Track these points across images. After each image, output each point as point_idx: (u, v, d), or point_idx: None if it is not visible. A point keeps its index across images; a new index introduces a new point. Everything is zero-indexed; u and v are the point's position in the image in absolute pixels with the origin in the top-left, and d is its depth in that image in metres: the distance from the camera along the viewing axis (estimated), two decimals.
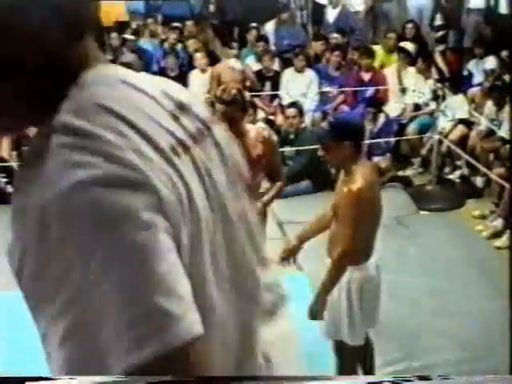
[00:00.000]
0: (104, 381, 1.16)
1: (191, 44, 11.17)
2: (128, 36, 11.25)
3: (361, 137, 4.34)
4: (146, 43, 11.46)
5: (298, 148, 8.43)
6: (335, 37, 11.09)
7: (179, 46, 11.32)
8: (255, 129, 4.92)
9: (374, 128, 8.76)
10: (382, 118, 8.86)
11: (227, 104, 4.53)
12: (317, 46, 10.99)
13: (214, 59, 10.78)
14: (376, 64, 10.51)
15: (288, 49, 11.11)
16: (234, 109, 4.55)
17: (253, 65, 10.72)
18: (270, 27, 12.04)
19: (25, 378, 2.19)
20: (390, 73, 10.28)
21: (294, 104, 9.06)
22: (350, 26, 11.79)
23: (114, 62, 10.39)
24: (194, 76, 10.44)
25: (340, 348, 4.50)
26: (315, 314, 4.24)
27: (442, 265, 6.59)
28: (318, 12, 12.34)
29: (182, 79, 10.39)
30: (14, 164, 8.98)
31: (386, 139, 8.83)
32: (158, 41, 11.41)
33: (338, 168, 4.50)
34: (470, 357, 5.15)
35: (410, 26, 11.16)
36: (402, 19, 11.62)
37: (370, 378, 3.60)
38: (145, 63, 10.57)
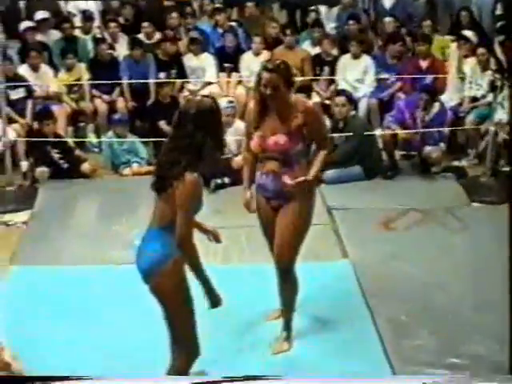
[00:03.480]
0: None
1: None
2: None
3: None
4: (203, 24, 11.45)
5: (347, 134, 8.34)
6: (392, 24, 10.93)
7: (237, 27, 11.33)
8: (298, 99, 4.95)
9: (427, 116, 8.60)
10: (436, 107, 8.70)
11: (270, 71, 4.72)
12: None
13: (270, 44, 10.77)
14: (435, 52, 10.33)
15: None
16: (276, 77, 4.71)
17: (309, 49, 10.66)
18: (333, 12, 11.93)
19: (25, 378, 2.22)
20: (449, 61, 10.10)
21: (343, 92, 8.95)
22: (408, 13, 11.61)
23: (174, 39, 10.44)
24: (247, 58, 10.43)
25: None
26: None
27: (490, 258, 6.46)
28: None
29: (237, 57, 10.42)
30: (69, 140, 9.07)
31: (437, 129, 8.67)
32: (214, 22, 11.38)
33: None
34: None
35: (464, 13, 10.96)
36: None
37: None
38: (204, 43, 10.58)
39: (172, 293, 3.95)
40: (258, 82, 4.83)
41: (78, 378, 2.51)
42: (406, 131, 8.65)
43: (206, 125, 3.88)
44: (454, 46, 10.37)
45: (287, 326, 5.24)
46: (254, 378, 2.51)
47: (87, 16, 11.14)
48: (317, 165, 4.91)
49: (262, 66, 4.86)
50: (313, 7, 11.65)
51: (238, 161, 8.21)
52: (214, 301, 4.04)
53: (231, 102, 8.86)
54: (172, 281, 3.92)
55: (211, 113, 3.95)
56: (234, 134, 8.57)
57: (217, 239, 4.47)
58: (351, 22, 10.91)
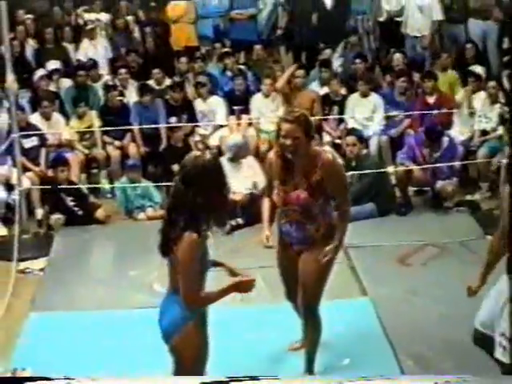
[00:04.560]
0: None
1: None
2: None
3: None
4: (213, 68, 11.57)
5: (360, 172, 8.37)
6: (400, 60, 11.03)
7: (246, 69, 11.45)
8: (318, 152, 4.94)
9: (434, 154, 8.65)
10: (445, 142, 8.74)
11: (290, 122, 4.72)
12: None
13: None
14: (442, 87, 10.40)
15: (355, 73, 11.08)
16: (297, 127, 4.71)
17: (318, 89, 10.73)
18: (338, 51, 12.04)
19: (25, 378, 2.25)
20: (458, 96, 10.17)
21: (353, 131, 9.01)
22: (416, 50, 11.72)
23: (181, 84, 10.53)
24: (257, 100, 10.53)
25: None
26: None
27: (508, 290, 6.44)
28: (384, 36, 12.29)
29: (246, 99, 10.49)
30: (83, 186, 9.12)
31: (450, 163, 8.69)
32: (223, 66, 11.50)
33: None
34: None
35: (469, 46, 11.05)
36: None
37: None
38: (212, 86, 10.67)
39: (189, 356, 3.91)
40: (277, 134, 4.86)
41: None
42: (419, 167, 8.67)
43: (201, 183, 3.74)
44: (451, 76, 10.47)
45: (310, 367, 5.25)
46: (260, 378, 2.53)
47: (91, 64, 11.26)
48: (339, 235, 4.96)
49: (282, 117, 4.90)
50: (321, 47, 11.75)
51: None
52: None
53: (244, 137, 8.96)
54: (191, 344, 3.89)
55: (208, 171, 3.79)
56: (246, 170, 8.64)
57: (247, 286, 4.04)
58: (358, 61, 11.01)
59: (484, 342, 4.57)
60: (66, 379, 2.34)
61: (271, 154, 5.09)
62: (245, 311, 6.01)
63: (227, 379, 2.59)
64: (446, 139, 8.80)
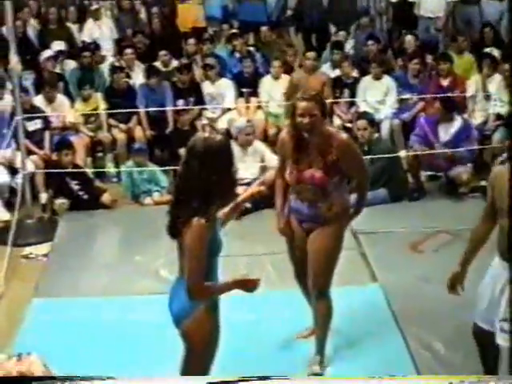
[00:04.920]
0: None
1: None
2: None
3: None
4: (221, 49, 11.55)
5: (372, 156, 8.34)
6: (412, 42, 10.99)
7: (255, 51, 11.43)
8: (332, 132, 4.99)
9: (447, 135, 8.61)
10: (458, 121, 8.68)
11: (307, 100, 4.81)
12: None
13: (289, 67, 10.85)
14: (458, 70, 10.36)
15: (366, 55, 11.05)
16: (314, 105, 4.80)
17: (329, 71, 10.70)
18: (349, 32, 12.01)
19: (31, 378, 2.25)
20: (473, 80, 10.12)
21: (364, 115, 8.97)
22: (429, 32, 11.67)
23: (189, 66, 10.52)
24: (266, 82, 10.51)
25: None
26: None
27: None
28: (397, 17, 12.25)
29: (255, 82, 10.46)
30: (88, 170, 9.12)
31: (465, 148, 8.65)
32: (231, 47, 11.48)
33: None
34: None
35: (487, 29, 10.99)
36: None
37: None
38: (221, 68, 10.66)
39: (200, 341, 3.90)
40: (292, 115, 4.92)
41: (84, 379, 2.51)
42: (431, 151, 8.63)
43: (213, 165, 3.70)
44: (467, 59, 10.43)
45: (321, 350, 5.27)
46: (270, 378, 2.53)
47: (95, 46, 11.27)
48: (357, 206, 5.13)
49: (299, 96, 4.94)
50: (332, 28, 11.73)
51: (269, 176, 8.30)
52: None
53: (249, 121, 8.95)
54: (202, 329, 3.87)
55: (220, 152, 3.75)
56: (253, 155, 8.64)
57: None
58: (370, 42, 10.97)
59: (484, 337, 4.57)
60: (68, 379, 2.35)
61: (283, 134, 5.13)
62: (252, 297, 5.99)
63: (236, 379, 2.58)
64: (458, 119, 8.75)
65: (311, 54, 10.40)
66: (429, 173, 9.13)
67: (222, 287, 3.92)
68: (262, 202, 8.35)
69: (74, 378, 2.43)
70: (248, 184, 8.23)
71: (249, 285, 3.93)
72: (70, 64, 11.04)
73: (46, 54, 10.89)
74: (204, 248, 3.70)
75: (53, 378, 2.40)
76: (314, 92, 5.02)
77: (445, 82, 9.99)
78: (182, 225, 3.70)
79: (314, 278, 5.06)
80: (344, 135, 5.04)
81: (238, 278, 3.94)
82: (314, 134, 4.85)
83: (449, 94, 9.58)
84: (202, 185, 3.68)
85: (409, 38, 11.14)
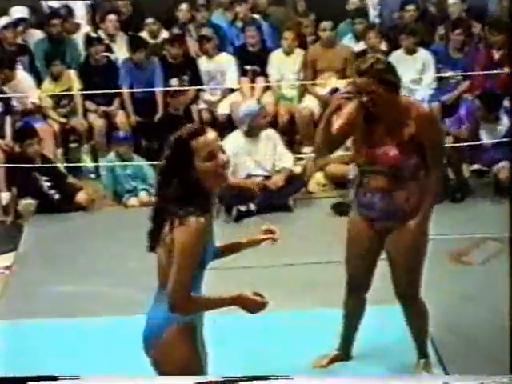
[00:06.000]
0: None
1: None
2: None
3: None
4: (218, 17, 11.52)
5: None
6: (458, 7, 10.95)
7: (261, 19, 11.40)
8: (410, 102, 5.00)
9: (491, 138, 8.62)
10: (504, 119, 8.69)
11: (361, 74, 4.77)
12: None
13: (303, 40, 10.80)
14: None
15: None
16: (371, 80, 4.75)
17: (352, 45, 10.66)
18: None
19: (26, 378, 2.30)
20: None
21: None
22: None
23: (182, 37, 10.49)
24: (276, 58, 10.49)
25: None
26: None
27: None
28: None
29: (262, 58, 10.45)
30: (60, 164, 9.12)
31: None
32: (232, 15, 11.46)
33: None
34: None
35: None
36: None
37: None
38: (220, 41, 10.65)
39: (171, 370, 3.82)
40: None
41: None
42: (463, 144, 8.63)
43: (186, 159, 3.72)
44: None
45: (424, 353, 5.49)
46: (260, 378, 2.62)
47: (66, 12, 11.21)
48: (425, 208, 5.06)
49: (354, 68, 4.93)
50: None
51: (275, 181, 8.35)
52: None
53: (259, 102, 8.93)
54: (174, 353, 3.81)
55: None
56: (264, 145, 8.65)
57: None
58: (410, 7, 10.91)
59: None
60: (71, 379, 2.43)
61: (350, 108, 5.01)
62: (258, 319, 5.99)
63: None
64: (506, 121, 8.74)
65: (327, 24, 10.38)
66: (475, 167, 9.08)
67: (215, 302, 3.88)
68: (266, 203, 8.42)
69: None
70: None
71: (253, 305, 3.89)
72: (36, 34, 11.00)
73: (2, 21, 10.82)
74: (199, 253, 3.69)
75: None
76: (372, 59, 4.85)
77: (497, 55, 9.95)
78: (171, 228, 3.67)
79: (403, 286, 5.20)
80: (425, 107, 5.09)
81: (243, 293, 3.88)
82: (382, 110, 4.84)
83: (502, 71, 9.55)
84: (186, 180, 3.70)
85: (453, 0, 11.07)
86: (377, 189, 4.98)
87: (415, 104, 5.04)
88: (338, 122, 4.95)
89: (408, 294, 5.24)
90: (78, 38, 10.97)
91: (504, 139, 8.59)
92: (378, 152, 4.89)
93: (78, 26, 11.26)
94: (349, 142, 5.24)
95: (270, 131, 8.90)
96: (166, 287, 3.72)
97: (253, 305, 3.87)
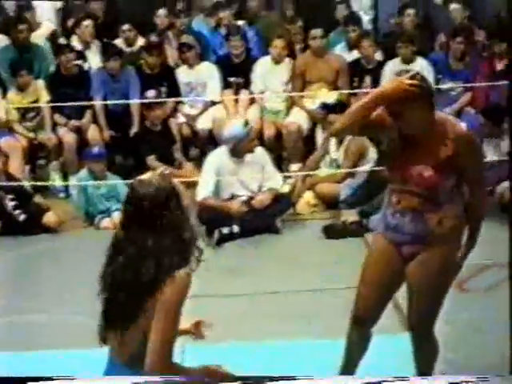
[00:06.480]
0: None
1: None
2: None
3: None
4: (199, 24, 11.54)
5: None
6: (460, 13, 11.01)
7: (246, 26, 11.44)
8: (447, 121, 4.99)
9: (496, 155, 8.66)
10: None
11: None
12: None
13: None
14: None
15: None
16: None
17: (344, 54, 10.71)
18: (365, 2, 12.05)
19: (26, 378, 2.33)
20: None
21: None
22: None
23: (160, 45, 10.50)
24: (262, 66, 10.52)
25: None
26: None
27: None
28: None
29: (246, 68, 10.48)
30: (26, 183, 9.10)
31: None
32: (215, 21, 11.48)
33: None
34: None
35: None
36: None
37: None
38: (201, 49, 10.67)
39: None
40: None
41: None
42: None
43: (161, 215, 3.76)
44: None
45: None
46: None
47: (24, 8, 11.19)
48: (473, 231, 5.08)
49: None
50: None
51: (261, 199, 8.34)
52: None
53: (247, 123, 8.93)
54: None
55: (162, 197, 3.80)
56: (251, 166, 8.69)
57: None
58: (410, 11, 10.96)
59: None
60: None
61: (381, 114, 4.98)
62: (254, 348, 6.03)
63: None
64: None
65: (317, 32, 10.40)
66: None
67: (189, 372, 3.87)
68: (251, 225, 8.43)
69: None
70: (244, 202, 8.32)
71: (217, 375, 3.91)
72: (0, 40, 10.99)
73: None
74: (180, 307, 3.70)
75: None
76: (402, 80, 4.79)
77: (500, 65, 10.01)
78: (154, 286, 3.67)
79: (420, 319, 5.17)
80: (463, 126, 5.09)
81: (210, 366, 3.93)
82: (417, 130, 4.84)
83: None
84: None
85: (456, 6, 11.12)
86: (408, 208, 4.94)
87: (452, 122, 5.02)
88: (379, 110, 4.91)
89: (423, 326, 5.20)
90: (46, 45, 10.92)
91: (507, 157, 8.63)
92: (413, 172, 4.87)
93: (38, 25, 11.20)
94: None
95: (259, 149, 8.91)
96: (134, 364, 3.70)
97: (217, 376, 3.91)
